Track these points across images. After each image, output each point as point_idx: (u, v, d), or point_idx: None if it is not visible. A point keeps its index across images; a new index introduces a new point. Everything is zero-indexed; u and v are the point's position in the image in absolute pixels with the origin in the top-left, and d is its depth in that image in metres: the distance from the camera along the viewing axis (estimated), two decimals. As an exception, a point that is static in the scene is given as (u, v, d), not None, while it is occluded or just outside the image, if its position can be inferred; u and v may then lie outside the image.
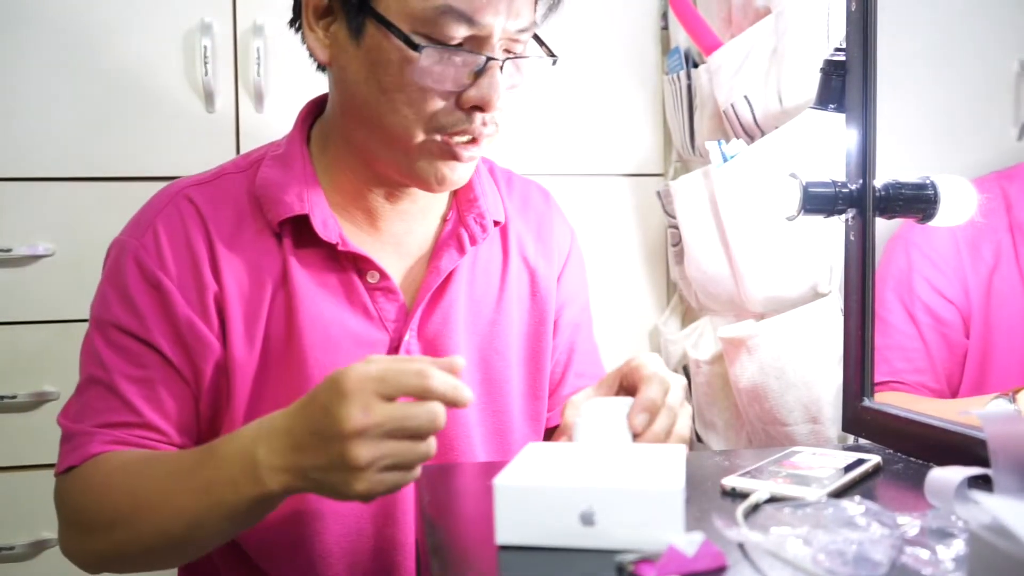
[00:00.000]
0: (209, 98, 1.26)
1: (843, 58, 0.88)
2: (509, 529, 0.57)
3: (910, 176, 0.83)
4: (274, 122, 1.14)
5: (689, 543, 0.52)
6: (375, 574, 0.88)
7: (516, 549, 0.57)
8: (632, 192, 1.43)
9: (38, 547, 1.24)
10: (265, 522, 0.83)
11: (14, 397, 1.23)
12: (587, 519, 0.55)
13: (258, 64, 1.26)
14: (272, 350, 0.84)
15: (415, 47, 0.75)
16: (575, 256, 1.03)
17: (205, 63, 1.24)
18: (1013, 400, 0.77)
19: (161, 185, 0.90)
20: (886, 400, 0.85)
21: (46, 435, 1.23)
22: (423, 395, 0.64)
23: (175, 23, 1.26)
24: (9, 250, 1.22)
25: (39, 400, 1.24)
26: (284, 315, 0.84)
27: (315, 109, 0.93)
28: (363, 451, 0.62)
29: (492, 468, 0.73)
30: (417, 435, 0.64)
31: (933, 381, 0.87)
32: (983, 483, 0.60)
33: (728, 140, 1.08)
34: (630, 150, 1.43)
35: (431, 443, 0.65)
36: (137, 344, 0.82)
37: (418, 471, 0.66)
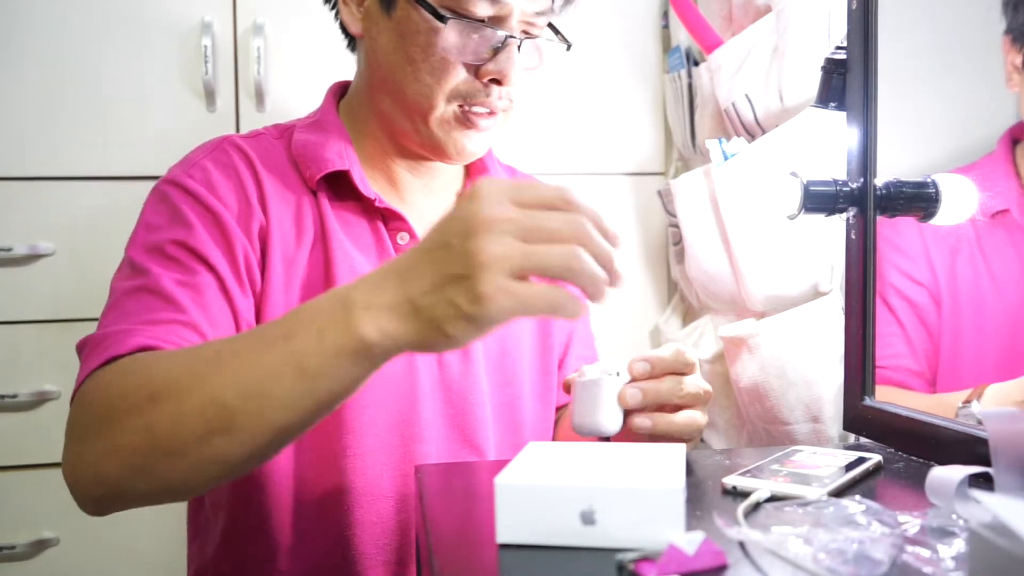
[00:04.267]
0: (210, 97, 1.26)
1: (844, 56, 0.87)
2: (510, 528, 0.57)
3: (911, 175, 0.83)
4: (275, 121, 1.13)
5: (690, 542, 0.52)
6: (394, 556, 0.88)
7: (517, 548, 0.57)
8: (633, 191, 1.43)
9: (39, 546, 1.24)
10: (296, 505, 0.84)
11: (15, 396, 1.23)
12: (588, 518, 0.55)
13: (258, 63, 1.26)
14: (307, 300, 0.85)
15: (441, 19, 0.81)
16: None
17: (205, 62, 1.24)
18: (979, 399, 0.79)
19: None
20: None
21: (47, 434, 1.24)
22: (563, 208, 0.56)
23: (175, 22, 1.26)
24: (10, 249, 1.22)
25: (40, 399, 1.23)
26: (322, 268, 0.87)
27: (340, 91, 0.98)
28: (491, 244, 0.53)
29: (492, 467, 0.74)
30: (555, 239, 0.54)
31: (913, 363, 0.89)
32: (984, 482, 0.60)
33: (729, 139, 1.08)
34: (631, 149, 1.42)
35: (576, 250, 0.54)
36: (186, 253, 0.79)
37: (557, 299, 0.54)
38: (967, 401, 0.79)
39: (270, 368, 0.59)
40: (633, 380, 0.74)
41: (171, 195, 0.84)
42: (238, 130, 1.28)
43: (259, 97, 1.27)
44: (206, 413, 0.60)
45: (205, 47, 1.24)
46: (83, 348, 0.74)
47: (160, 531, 1.26)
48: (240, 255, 0.82)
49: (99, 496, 0.66)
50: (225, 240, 0.82)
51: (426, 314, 0.55)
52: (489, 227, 0.53)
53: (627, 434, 0.75)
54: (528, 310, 0.53)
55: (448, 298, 0.54)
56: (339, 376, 0.58)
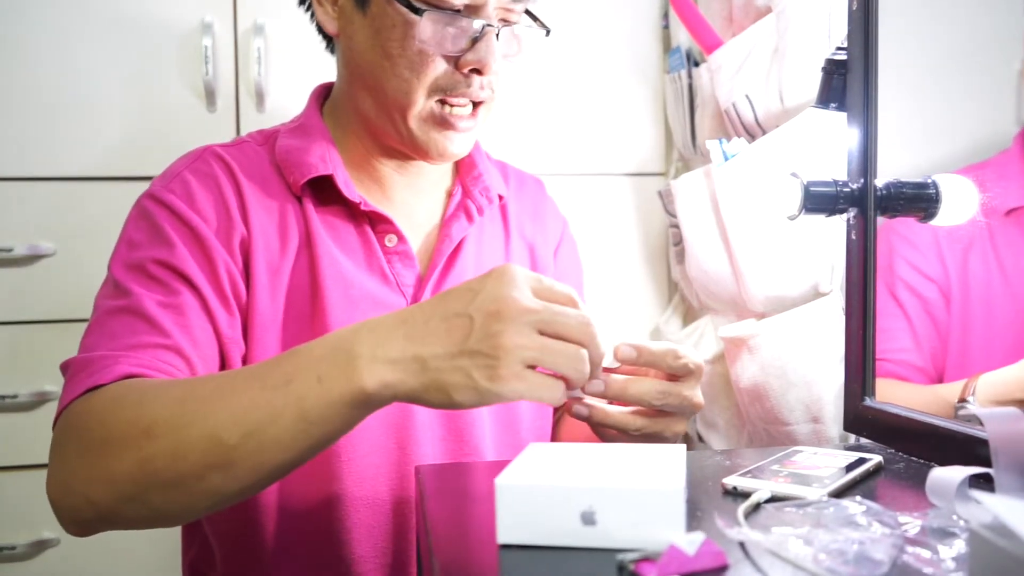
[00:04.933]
0: (210, 97, 1.26)
1: (844, 57, 0.87)
2: (511, 528, 0.57)
3: (912, 175, 0.83)
4: (275, 121, 1.14)
5: (690, 542, 0.52)
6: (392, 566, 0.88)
7: (517, 548, 0.57)
8: (633, 191, 1.43)
9: (39, 547, 1.24)
10: (289, 513, 0.84)
11: (15, 396, 1.23)
12: (588, 518, 0.55)
13: (259, 64, 1.26)
14: (294, 307, 0.86)
15: (417, 11, 0.80)
16: (568, 239, 1.08)
17: (206, 63, 1.24)
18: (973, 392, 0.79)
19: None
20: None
21: (47, 434, 1.23)
22: (571, 305, 0.62)
23: (175, 23, 1.26)
24: (10, 250, 1.22)
25: (40, 400, 1.24)
26: (307, 273, 0.86)
27: (324, 92, 0.98)
28: (515, 332, 0.58)
29: (492, 468, 0.74)
30: (567, 337, 0.60)
31: (918, 359, 0.88)
32: (984, 482, 0.60)
33: (729, 139, 1.08)
34: (631, 149, 1.42)
35: (582, 353, 0.60)
36: (168, 273, 0.79)
37: (556, 392, 0.60)
38: (962, 399, 0.79)
39: (270, 410, 0.61)
40: (614, 366, 0.73)
41: (152, 211, 0.83)
42: (239, 131, 1.28)
43: (259, 97, 1.27)
44: (204, 449, 0.61)
45: (205, 47, 1.24)
46: (66, 370, 0.74)
47: (160, 532, 1.26)
48: (222, 271, 0.82)
49: (86, 519, 0.66)
50: (206, 257, 0.81)
51: (436, 376, 0.59)
52: (516, 316, 0.58)
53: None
54: (531, 396, 0.59)
55: (463, 369, 0.58)
56: (337, 421, 0.61)
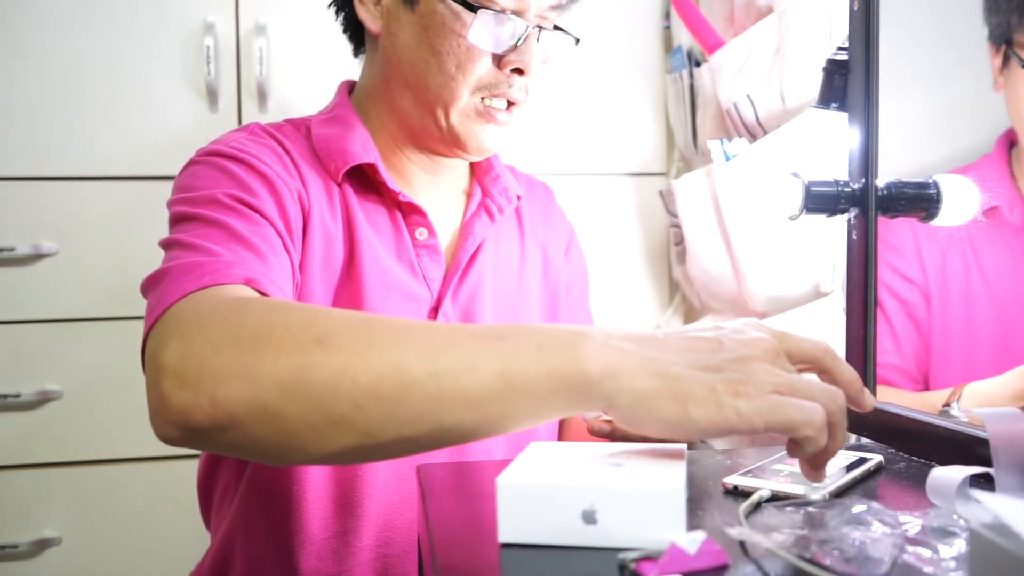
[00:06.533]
0: (212, 97, 1.26)
1: (845, 57, 0.88)
2: (512, 527, 0.57)
3: (913, 175, 0.83)
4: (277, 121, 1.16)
5: (691, 541, 0.52)
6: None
7: (519, 547, 0.57)
8: (634, 191, 1.43)
9: (41, 546, 1.24)
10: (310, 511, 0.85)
11: (18, 396, 1.23)
12: (589, 517, 0.55)
13: (261, 64, 1.26)
14: (336, 288, 0.86)
15: (472, 8, 0.83)
16: (576, 245, 1.10)
17: (208, 63, 1.25)
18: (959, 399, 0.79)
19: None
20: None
21: (50, 434, 1.24)
22: (827, 364, 0.58)
23: (177, 23, 1.26)
24: (12, 249, 1.22)
25: (42, 399, 1.24)
26: (347, 257, 0.87)
27: (349, 88, 0.99)
28: (766, 363, 0.53)
29: (494, 466, 0.74)
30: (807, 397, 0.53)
31: (899, 359, 0.89)
32: (984, 482, 0.60)
33: (731, 139, 1.08)
34: (632, 149, 1.43)
35: (837, 391, 0.55)
36: (244, 207, 0.76)
37: (815, 415, 0.52)
38: (947, 404, 0.80)
39: (469, 356, 0.52)
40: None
41: (213, 162, 0.81)
42: (240, 130, 1.28)
43: (261, 97, 1.27)
44: (380, 375, 0.52)
45: (207, 47, 1.25)
46: (162, 279, 0.66)
47: (163, 530, 1.26)
48: (292, 217, 0.81)
49: (194, 423, 0.55)
50: (276, 198, 0.79)
51: (674, 382, 0.51)
52: (769, 354, 0.54)
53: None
54: (778, 417, 0.51)
55: (707, 382, 0.51)
56: (535, 400, 0.52)
